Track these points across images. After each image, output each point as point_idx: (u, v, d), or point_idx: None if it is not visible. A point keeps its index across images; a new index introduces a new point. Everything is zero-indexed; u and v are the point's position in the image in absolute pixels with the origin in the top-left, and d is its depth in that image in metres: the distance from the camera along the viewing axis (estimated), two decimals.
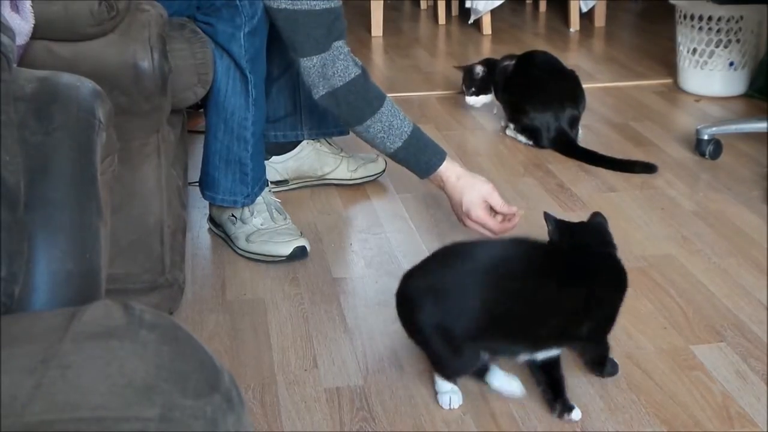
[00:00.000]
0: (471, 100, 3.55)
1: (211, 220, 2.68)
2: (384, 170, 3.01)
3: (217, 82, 2.40)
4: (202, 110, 2.65)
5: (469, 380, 1.97)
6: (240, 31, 2.38)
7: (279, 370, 2.03)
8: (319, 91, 2.39)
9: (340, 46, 2.39)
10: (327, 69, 2.36)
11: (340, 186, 2.97)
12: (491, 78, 3.48)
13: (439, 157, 2.47)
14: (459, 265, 1.89)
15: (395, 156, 2.49)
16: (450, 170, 2.46)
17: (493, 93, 3.49)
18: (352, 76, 2.38)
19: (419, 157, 2.48)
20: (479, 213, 2.40)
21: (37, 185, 1.29)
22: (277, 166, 2.91)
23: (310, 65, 2.36)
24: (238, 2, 2.35)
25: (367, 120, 2.41)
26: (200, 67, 2.24)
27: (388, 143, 2.44)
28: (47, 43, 1.90)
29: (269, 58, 2.59)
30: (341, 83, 2.37)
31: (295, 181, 2.97)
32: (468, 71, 3.55)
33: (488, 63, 3.53)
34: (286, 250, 2.49)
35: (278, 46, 2.60)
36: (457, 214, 2.46)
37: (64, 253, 1.29)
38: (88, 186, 1.36)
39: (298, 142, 2.93)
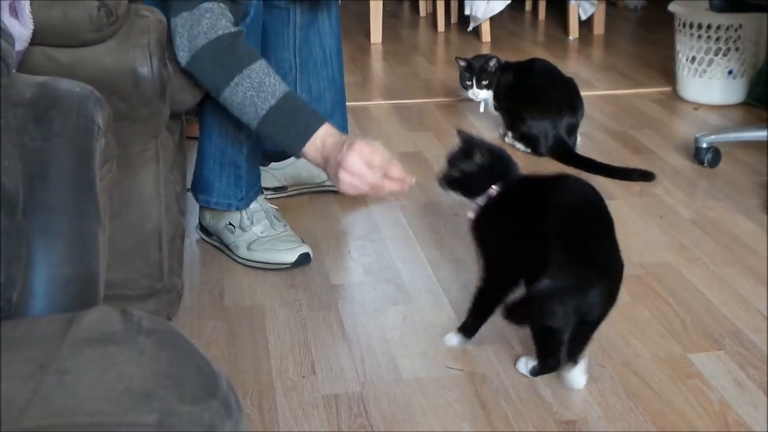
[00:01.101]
0: (478, 93, 3.48)
1: (203, 229, 2.66)
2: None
3: None
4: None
5: (468, 384, 1.97)
6: None
7: (277, 376, 2.03)
8: (184, 57, 2.19)
9: (210, 7, 2.20)
10: (193, 28, 2.18)
11: (338, 193, 2.97)
12: (496, 78, 3.43)
13: (318, 119, 2.23)
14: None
15: (267, 120, 2.19)
16: (331, 133, 2.22)
17: (491, 92, 3.46)
18: (219, 33, 2.18)
19: (296, 119, 2.21)
20: (355, 160, 2.14)
21: (36, 190, 1.29)
22: (275, 173, 2.91)
23: (179, 24, 2.19)
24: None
25: (235, 77, 2.18)
26: None
27: (260, 103, 2.18)
28: (46, 48, 1.90)
29: None
30: (206, 41, 2.18)
31: (293, 188, 2.97)
32: (481, 63, 3.48)
33: (498, 61, 3.48)
34: (291, 257, 2.49)
35: (275, 51, 2.61)
36: (331, 174, 2.19)
37: (63, 258, 1.29)
38: (86, 191, 1.36)
39: None
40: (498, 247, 2.05)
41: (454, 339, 2.13)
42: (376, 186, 2.17)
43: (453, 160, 2.06)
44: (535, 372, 1.99)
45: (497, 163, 2.05)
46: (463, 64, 3.50)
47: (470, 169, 2.03)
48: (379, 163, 2.15)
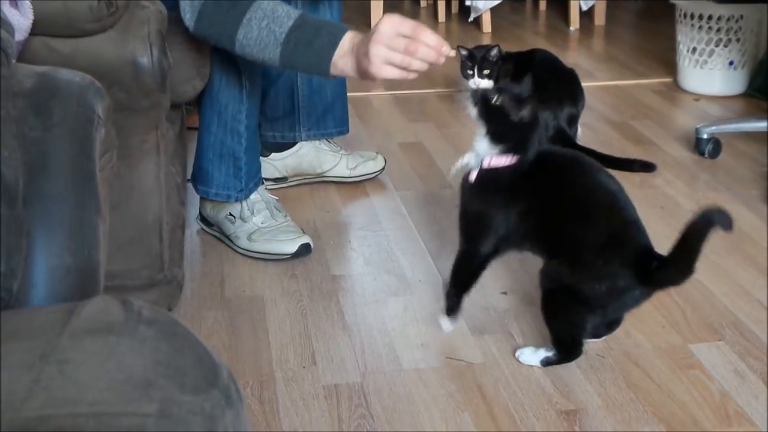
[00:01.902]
0: (480, 82, 3.45)
1: (203, 219, 2.67)
2: (383, 168, 3.00)
3: (211, 75, 2.39)
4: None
5: (469, 375, 1.97)
6: None
7: (277, 367, 2.03)
8: (191, 18, 2.15)
9: None
10: None
11: (339, 183, 2.97)
12: (498, 69, 3.42)
13: (340, 27, 2.11)
14: None
15: (289, 42, 2.08)
16: (356, 34, 2.09)
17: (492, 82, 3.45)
18: None
19: (319, 32, 2.09)
20: (385, 29, 1.99)
21: (36, 181, 1.29)
22: (276, 164, 2.91)
23: None
24: None
25: (246, 14, 2.10)
26: (198, 61, 2.24)
27: (277, 28, 2.08)
28: (46, 39, 1.89)
29: None
30: None
31: (294, 179, 2.97)
32: (483, 52, 3.46)
33: (500, 51, 3.46)
34: (292, 247, 2.49)
35: None
36: (365, 66, 2.04)
37: (63, 248, 1.29)
38: (86, 182, 1.36)
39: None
40: (497, 216, 2.00)
41: (448, 325, 2.13)
42: (410, 51, 1.99)
43: (506, 90, 1.97)
44: (550, 362, 2.00)
45: (531, 132, 1.98)
46: (464, 53, 3.49)
47: (514, 113, 1.94)
48: (410, 30, 1.99)
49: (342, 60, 2.07)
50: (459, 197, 2.07)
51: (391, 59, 2.00)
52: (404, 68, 2.03)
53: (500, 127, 1.96)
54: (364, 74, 2.06)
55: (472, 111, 1.99)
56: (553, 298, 1.95)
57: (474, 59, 3.45)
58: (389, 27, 1.99)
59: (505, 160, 1.96)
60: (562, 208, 1.94)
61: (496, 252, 2.04)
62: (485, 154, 1.98)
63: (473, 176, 2.01)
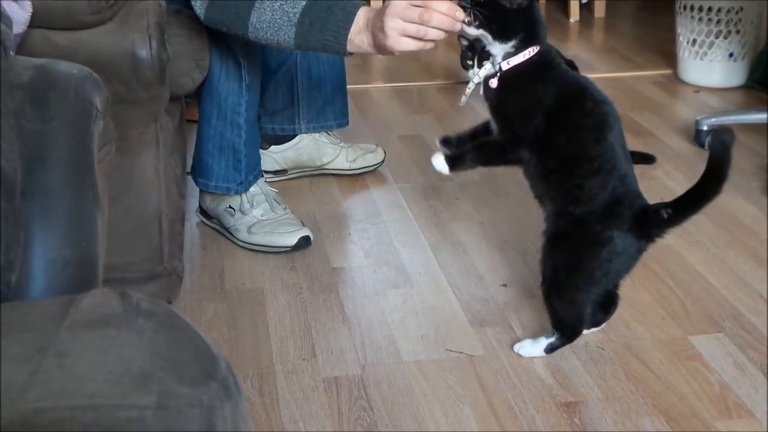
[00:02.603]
0: (481, 73, 3.43)
1: (203, 211, 2.66)
2: (383, 161, 3.00)
3: (210, 67, 2.39)
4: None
5: (468, 367, 1.97)
6: None
7: (277, 359, 2.03)
8: (201, 6, 2.14)
9: None
10: None
11: (339, 176, 2.97)
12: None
13: (354, 3, 2.09)
14: None
15: (304, 22, 2.07)
16: (370, 8, 2.08)
17: None
18: None
19: (332, 9, 2.07)
20: (400, 2, 1.99)
21: (34, 173, 1.29)
22: (275, 156, 2.91)
23: None
24: None
25: None
26: (197, 53, 2.24)
27: (290, 9, 2.07)
28: (45, 31, 1.89)
29: (266, 51, 2.58)
30: None
31: (293, 171, 2.96)
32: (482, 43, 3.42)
33: None
34: (291, 240, 2.48)
35: None
36: (381, 40, 2.01)
37: (61, 241, 1.29)
38: (84, 174, 1.36)
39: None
40: (532, 110, 1.94)
41: (442, 165, 2.03)
42: (424, 19, 1.98)
43: None
44: (554, 347, 2.00)
45: (535, 16, 1.95)
46: (465, 43, 3.48)
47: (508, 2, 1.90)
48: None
49: (358, 36, 2.05)
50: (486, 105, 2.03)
51: (406, 30, 1.98)
52: (421, 38, 2.01)
53: (502, 21, 1.93)
54: (381, 49, 2.04)
55: (472, 27, 1.97)
56: (557, 275, 1.94)
57: (474, 50, 3.44)
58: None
59: (524, 55, 1.94)
60: (578, 145, 1.91)
61: (525, 153, 1.95)
62: (501, 59, 1.97)
63: (494, 82, 1.99)
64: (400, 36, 1.99)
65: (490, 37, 1.95)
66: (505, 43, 1.93)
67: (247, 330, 2.15)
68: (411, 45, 2.01)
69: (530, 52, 1.93)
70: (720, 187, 1.82)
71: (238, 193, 2.55)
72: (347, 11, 2.06)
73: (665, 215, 1.87)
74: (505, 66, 1.95)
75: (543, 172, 1.94)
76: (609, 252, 1.89)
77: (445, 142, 2.09)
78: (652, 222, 1.89)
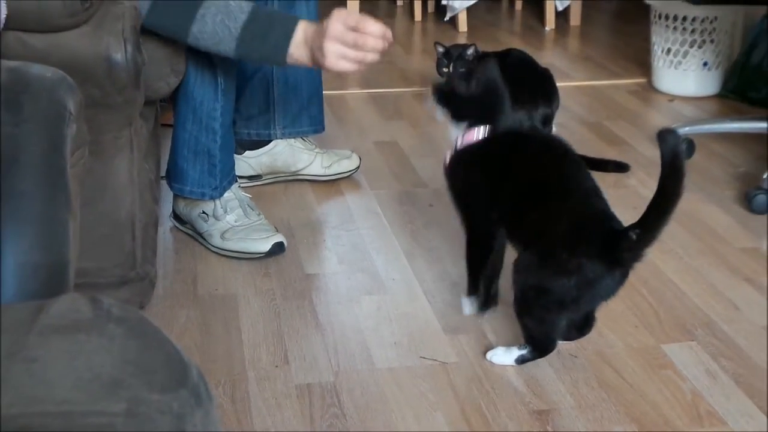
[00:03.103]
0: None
1: (176, 217, 2.65)
2: (358, 167, 3.00)
3: (186, 71, 2.39)
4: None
5: (442, 374, 1.97)
6: None
7: (250, 365, 2.03)
8: (144, 8, 2.12)
9: None
10: None
11: (314, 182, 2.96)
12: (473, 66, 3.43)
13: (293, 18, 2.20)
14: None
15: (245, 37, 2.14)
16: (309, 24, 2.18)
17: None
18: None
19: (273, 24, 2.17)
20: (336, 26, 2.11)
21: (6, 176, 1.28)
22: (250, 161, 2.90)
23: None
24: None
25: (199, 9, 2.13)
26: (173, 57, 2.23)
27: (232, 23, 2.14)
28: (20, 34, 1.88)
29: None
30: None
31: (268, 176, 2.96)
32: (459, 51, 3.47)
33: (476, 50, 3.46)
34: (265, 246, 2.48)
35: None
36: (319, 58, 2.14)
37: (32, 245, 1.28)
38: (57, 178, 1.35)
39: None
40: (477, 194, 2.03)
41: (468, 307, 2.13)
42: (359, 44, 2.11)
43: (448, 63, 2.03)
44: (525, 360, 2.00)
45: (490, 99, 2.05)
46: (441, 50, 3.49)
47: (462, 89, 2.05)
48: (356, 22, 2.11)
49: (297, 51, 2.16)
50: None
51: (345, 54, 2.12)
52: (358, 62, 2.14)
53: (455, 105, 2.05)
54: (317, 64, 2.17)
55: (431, 105, 2.08)
56: (526, 295, 1.94)
57: (450, 57, 3.46)
58: (340, 22, 2.10)
59: (473, 136, 2.02)
60: (530, 194, 1.95)
61: (492, 230, 2.01)
62: (458, 138, 2.04)
63: (447, 159, 2.07)
64: (339, 59, 2.12)
65: (449, 117, 2.07)
66: (460, 124, 2.04)
67: (219, 336, 2.14)
68: (348, 66, 2.15)
69: (481, 132, 2.02)
70: (680, 187, 1.81)
71: (212, 198, 2.54)
72: (286, 26, 2.16)
73: (634, 236, 1.84)
74: (457, 145, 2.05)
75: (521, 245, 1.98)
76: (578, 280, 1.87)
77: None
78: (622, 246, 1.85)
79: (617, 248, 1.85)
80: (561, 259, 1.87)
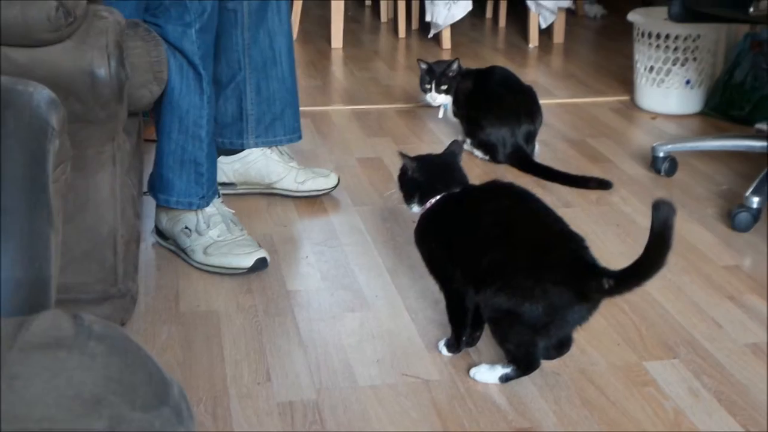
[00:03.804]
0: (437, 98, 3.48)
1: (159, 232, 2.64)
2: (336, 186, 2.98)
3: (170, 81, 2.38)
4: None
5: (424, 392, 1.97)
6: (191, 28, 2.38)
7: (231, 383, 2.02)
8: None
9: None
10: None
11: (297, 198, 2.96)
12: (456, 84, 3.44)
13: None
14: None
15: None
16: None
17: (450, 98, 3.46)
18: None
19: None
20: None
21: None
22: (224, 167, 2.88)
23: None
24: (186, 0, 2.35)
25: None
26: (155, 65, 2.22)
27: None
28: (3, 48, 1.87)
29: (216, 66, 2.57)
30: None
31: (242, 186, 2.95)
32: (443, 67, 3.48)
33: (459, 67, 3.47)
34: (248, 262, 2.47)
35: (224, 52, 2.59)
36: None
37: (13, 261, 1.27)
38: (39, 193, 1.34)
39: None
40: (439, 257, 2.12)
41: (444, 350, 2.13)
42: None
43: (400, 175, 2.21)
44: (509, 378, 2.00)
45: (434, 177, 2.16)
46: (424, 66, 3.50)
47: (407, 182, 2.18)
48: None
49: None
50: None
51: None
52: None
53: (405, 187, 2.19)
54: None
55: (400, 198, 2.23)
56: (499, 324, 1.96)
57: (433, 74, 3.46)
58: None
59: (422, 208, 2.16)
60: (485, 237, 1.99)
61: (462, 290, 2.05)
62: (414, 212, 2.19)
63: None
64: None
65: (407, 200, 2.20)
66: (412, 204, 2.17)
67: (201, 353, 2.13)
68: None
69: (432, 201, 2.14)
70: (663, 260, 1.84)
71: (200, 207, 2.53)
72: None
73: (606, 285, 1.88)
74: (416, 218, 2.19)
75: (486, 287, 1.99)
76: (546, 308, 1.89)
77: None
78: (592, 287, 1.89)
79: (587, 285, 1.89)
80: (526, 285, 1.89)
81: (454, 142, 2.28)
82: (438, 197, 2.12)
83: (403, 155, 2.19)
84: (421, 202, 2.15)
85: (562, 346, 2.04)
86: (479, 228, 2.01)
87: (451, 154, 2.23)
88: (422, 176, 2.15)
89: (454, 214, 2.09)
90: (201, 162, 2.51)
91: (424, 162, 2.20)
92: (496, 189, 2.11)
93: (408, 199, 2.17)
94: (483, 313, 2.00)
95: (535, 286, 1.88)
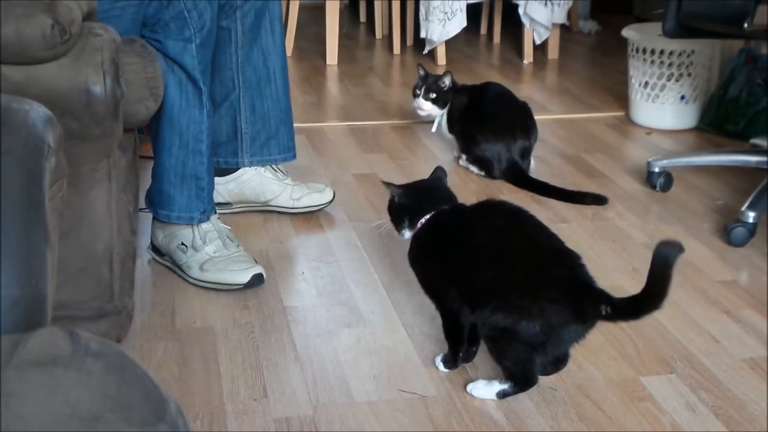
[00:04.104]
0: (422, 104, 3.49)
1: (155, 249, 2.64)
2: (331, 201, 2.99)
3: (170, 96, 2.39)
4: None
5: (421, 408, 1.97)
6: (191, 43, 2.38)
7: (228, 399, 2.01)
8: None
9: None
10: None
11: (293, 214, 2.96)
12: (448, 98, 3.45)
13: None
14: None
15: None
16: None
17: (445, 113, 3.47)
18: None
19: None
20: None
21: None
22: (219, 188, 2.88)
23: None
24: (186, 14, 2.35)
25: None
26: (151, 81, 2.22)
27: None
28: None
29: (210, 84, 2.58)
30: None
31: (238, 205, 2.95)
32: (436, 77, 3.49)
33: (454, 82, 3.50)
34: (244, 278, 2.47)
35: (218, 71, 2.59)
36: None
37: (10, 278, 1.27)
38: (35, 211, 1.34)
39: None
40: (433, 276, 2.12)
41: (440, 366, 2.13)
42: None
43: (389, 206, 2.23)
44: (506, 394, 2.00)
45: (421, 199, 2.18)
46: (422, 73, 3.52)
47: (396, 210, 2.20)
48: None
49: None
50: None
51: None
52: None
53: (394, 214, 2.20)
54: None
55: (391, 228, 2.24)
56: (497, 342, 1.96)
57: (426, 81, 3.47)
58: None
59: (413, 230, 2.16)
60: (480, 256, 1.99)
61: (458, 309, 2.04)
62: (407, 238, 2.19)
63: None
64: None
65: (397, 227, 2.21)
66: (403, 230, 2.18)
67: (197, 369, 2.13)
68: None
69: (420, 223, 2.15)
70: (660, 303, 1.84)
71: (201, 222, 2.53)
72: None
73: (603, 312, 1.88)
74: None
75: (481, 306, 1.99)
76: (543, 326, 1.89)
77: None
78: (588, 310, 1.90)
79: (584, 306, 1.89)
80: (523, 305, 1.89)
81: (438, 168, 2.29)
82: (428, 216, 2.13)
83: (387, 184, 2.20)
84: (412, 226, 2.15)
85: (559, 362, 2.04)
86: (473, 247, 2.01)
87: (436, 177, 2.26)
88: (409, 200, 2.17)
89: (446, 232, 2.09)
90: (202, 176, 2.51)
91: (410, 187, 2.22)
92: (489, 207, 2.11)
93: (398, 225, 2.18)
94: (480, 331, 1.99)
95: (532, 304, 1.88)
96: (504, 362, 1.97)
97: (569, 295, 1.89)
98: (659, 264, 1.80)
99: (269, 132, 2.89)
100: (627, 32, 3.84)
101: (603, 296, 1.89)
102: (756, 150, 3.41)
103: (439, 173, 2.26)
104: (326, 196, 2.99)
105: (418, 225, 2.14)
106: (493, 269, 1.95)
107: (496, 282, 1.93)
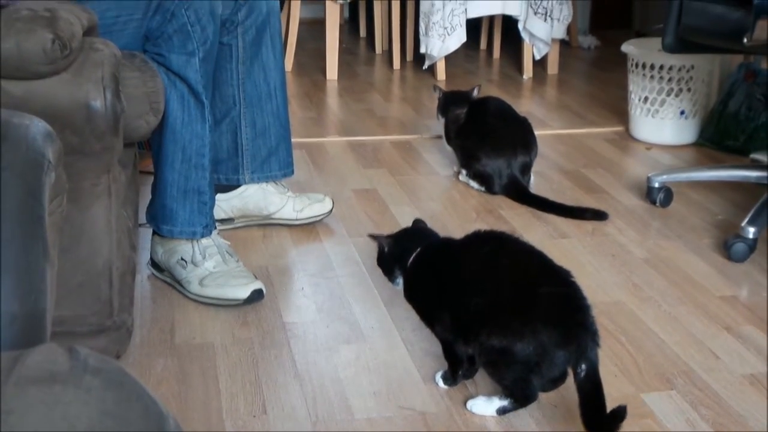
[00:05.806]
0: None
1: (154, 264, 2.63)
2: (331, 210, 3.00)
3: (172, 111, 2.39)
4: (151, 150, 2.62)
5: (421, 424, 1.96)
6: (194, 57, 2.37)
7: (227, 416, 2.01)
8: None
9: None
10: None
11: (292, 228, 2.96)
12: (444, 110, 3.47)
13: None
14: None
15: None
16: None
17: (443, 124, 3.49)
18: None
19: None
20: None
21: None
22: (221, 204, 2.89)
23: None
24: (189, 28, 2.35)
25: None
26: (152, 96, 2.22)
27: None
28: None
29: (212, 101, 2.58)
30: None
31: (240, 220, 2.95)
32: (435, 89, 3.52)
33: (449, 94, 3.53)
34: (244, 293, 2.46)
35: (219, 87, 2.59)
36: None
37: (9, 294, 1.27)
38: (34, 227, 1.34)
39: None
40: (427, 307, 2.14)
41: (440, 382, 2.13)
42: None
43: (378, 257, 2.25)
44: (506, 410, 1.99)
45: (406, 241, 2.20)
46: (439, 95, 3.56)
47: (386, 260, 2.22)
48: None
49: None
50: None
51: None
52: None
53: (385, 265, 2.22)
54: None
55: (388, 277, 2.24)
56: (495, 365, 1.95)
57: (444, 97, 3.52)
58: None
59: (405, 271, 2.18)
60: (470, 285, 2.00)
61: (453, 338, 2.06)
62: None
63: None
64: None
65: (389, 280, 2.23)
66: (397, 278, 2.19)
67: (196, 386, 2.12)
68: None
69: (409, 263, 2.16)
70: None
71: (203, 236, 2.53)
72: None
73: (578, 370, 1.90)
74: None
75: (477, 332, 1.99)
76: (537, 348, 1.89)
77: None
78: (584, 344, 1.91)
79: (576, 336, 1.90)
80: (514, 326, 1.89)
81: (417, 219, 2.33)
82: (415, 254, 2.14)
83: (374, 236, 2.24)
84: (402, 269, 2.16)
85: (558, 380, 2.03)
86: (461, 276, 2.02)
87: (419, 221, 2.31)
88: (397, 246, 2.19)
89: (434, 266, 2.11)
90: (204, 191, 2.51)
91: (396, 235, 2.24)
92: (474, 237, 2.12)
93: (390, 274, 2.20)
94: (477, 360, 1.99)
95: (525, 326, 1.88)
96: (503, 383, 1.97)
97: (561, 317, 1.89)
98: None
99: (270, 148, 2.89)
100: (626, 47, 3.84)
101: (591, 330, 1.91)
102: (756, 165, 3.41)
103: (419, 223, 2.30)
104: (326, 205, 3.00)
105: (408, 264, 2.15)
106: (482, 295, 1.95)
107: (488, 307, 1.93)
